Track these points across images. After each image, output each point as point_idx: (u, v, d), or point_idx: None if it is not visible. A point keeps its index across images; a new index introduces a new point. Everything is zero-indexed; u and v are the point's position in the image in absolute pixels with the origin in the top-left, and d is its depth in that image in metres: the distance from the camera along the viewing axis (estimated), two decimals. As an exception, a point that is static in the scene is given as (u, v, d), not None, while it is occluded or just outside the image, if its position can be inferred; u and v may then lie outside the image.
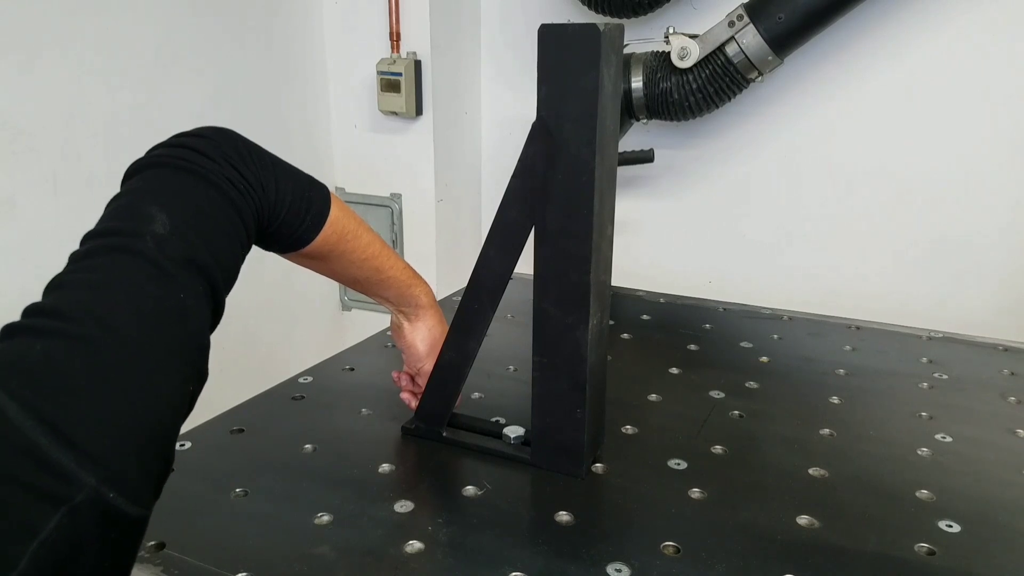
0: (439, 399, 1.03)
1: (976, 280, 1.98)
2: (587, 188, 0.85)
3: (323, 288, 2.52)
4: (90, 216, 0.66)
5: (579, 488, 0.94)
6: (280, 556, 0.81)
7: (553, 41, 0.83)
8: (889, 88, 1.96)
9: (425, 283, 1.07)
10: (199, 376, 0.63)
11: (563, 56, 0.83)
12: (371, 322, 2.40)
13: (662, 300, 1.61)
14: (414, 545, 0.82)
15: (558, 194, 0.86)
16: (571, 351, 0.91)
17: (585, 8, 2.06)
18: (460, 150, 2.41)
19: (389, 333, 1.43)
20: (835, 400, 1.17)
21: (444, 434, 1.03)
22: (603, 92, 0.83)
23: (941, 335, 1.42)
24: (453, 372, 1.01)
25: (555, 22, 0.86)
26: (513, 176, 0.89)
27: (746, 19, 1.83)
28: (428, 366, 1.05)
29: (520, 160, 0.88)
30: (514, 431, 1.01)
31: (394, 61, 2.21)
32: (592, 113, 0.83)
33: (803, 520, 0.87)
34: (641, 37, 2.01)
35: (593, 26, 0.81)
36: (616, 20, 2.04)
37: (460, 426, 1.05)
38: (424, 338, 1.05)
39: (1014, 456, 1.02)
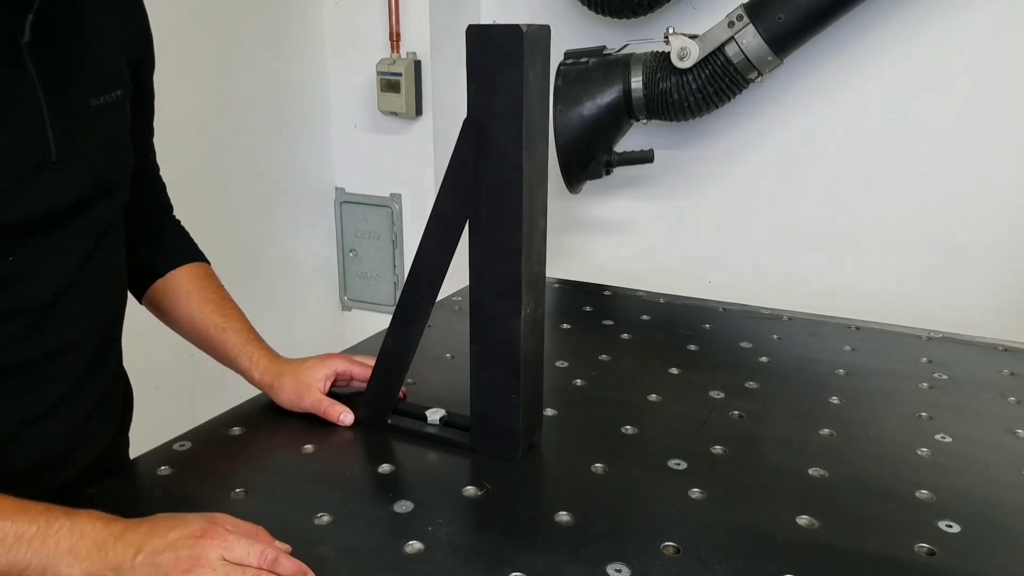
0: (383, 387, 1.06)
1: (976, 280, 1.98)
2: (516, 182, 0.89)
3: (323, 288, 2.52)
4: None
5: (579, 488, 0.94)
6: (280, 556, 0.81)
7: (480, 41, 0.87)
8: (889, 88, 1.96)
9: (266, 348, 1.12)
10: None
11: (489, 56, 0.86)
12: (371, 322, 2.41)
13: (662, 300, 1.61)
14: (414, 545, 0.82)
15: (489, 188, 0.90)
16: (505, 339, 0.95)
17: (585, 8, 2.06)
18: (460, 150, 2.40)
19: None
20: (835, 400, 1.17)
21: (389, 421, 1.06)
22: (528, 90, 0.86)
23: (941, 335, 1.41)
24: (396, 360, 1.04)
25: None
26: (447, 170, 0.93)
27: (746, 19, 1.83)
28: (308, 400, 1.07)
29: (452, 155, 0.91)
30: (435, 413, 1.05)
31: (394, 61, 2.21)
32: (518, 111, 0.86)
33: (803, 520, 0.87)
34: (641, 37, 2.01)
35: (516, 27, 0.84)
36: (616, 20, 2.04)
37: (400, 413, 1.08)
38: (288, 390, 1.08)
39: (1014, 456, 1.02)
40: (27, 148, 0.78)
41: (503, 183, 0.89)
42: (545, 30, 0.90)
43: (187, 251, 1.13)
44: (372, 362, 1.08)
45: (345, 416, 1.06)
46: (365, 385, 1.09)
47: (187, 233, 1.15)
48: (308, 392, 1.07)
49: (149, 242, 1.08)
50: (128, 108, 0.93)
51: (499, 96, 0.87)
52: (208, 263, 1.15)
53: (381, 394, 1.06)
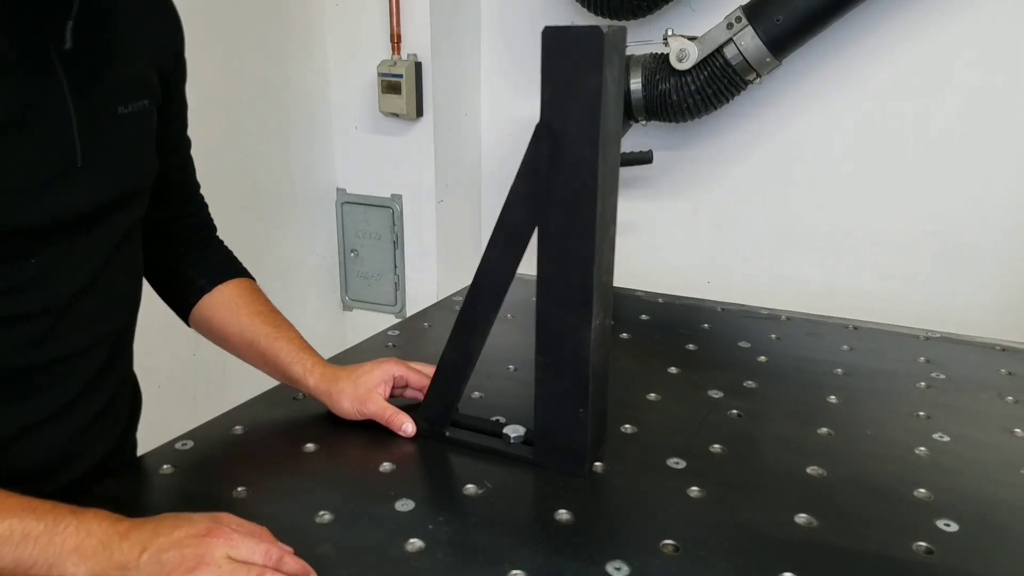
0: (442, 399, 1.03)
1: (974, 280, 1.98)
2: (590, 189, 0.86)
3: (323, 288, 2.53)
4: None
5: (579, 487, 0.94)
6: (282, 554, 0.81)
7: (557, 43, 0.83)
8: (888, 88, 1.97)
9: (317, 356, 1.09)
10: None
11: (566, 58, 0.83)
12: (371, 322, 2.41)
13: (661, 300, 1.61)
14: (415, 544, 0.83)
15: (561, 195, 0.87)
16: (573, 351, 0.91)
17: (584, 10, 2.06)
18: (460, 151, 2.41)
19: (390, 333, 1.44)
20: (833, 400, 1.17)
21: (447, 434, 1.04)
22: (606, 94, 0.83)
23: (939, 335, 1.42)
24: (456, 372, 1.01)
25: (557, 24, 0.86)
26: (517, 177, 0.89)
27: (744, 21, 1.84)
28: (372, 407, 1.04)
29: (524, 161, 0.88)
30: (514, 430, 1.01)
31: (395, 63, 2.22)
32: (595, 115, 0.83)
33: (801, 519, 0.88)
34: (640, 39, 2.02)
35: (597, 28, 0.81)
36: (615, 22, 2.04)
37: (461, 426, 1.06)
38: (348, 395, 1.05)
39: (1012, 455, 1.02)
40: (54, 152, 0.79)
41: (576, 190, 0.86)
42: (622, 31, 0.87)
43: (232, 268, 1.12)
44: (427, 369, 1.06)
45: (407, 426, 1.04)
46: (417, 394, 1.08)
47: (231, 252, 1.15)
48: (370, 398, 1.04)
49: (193, 261, 1.08)
50: (155, 118, 0.93)
51: (576, 100, 0.83)
52: (253, 279, 1.14)
53: (439, 407, 1.03)
